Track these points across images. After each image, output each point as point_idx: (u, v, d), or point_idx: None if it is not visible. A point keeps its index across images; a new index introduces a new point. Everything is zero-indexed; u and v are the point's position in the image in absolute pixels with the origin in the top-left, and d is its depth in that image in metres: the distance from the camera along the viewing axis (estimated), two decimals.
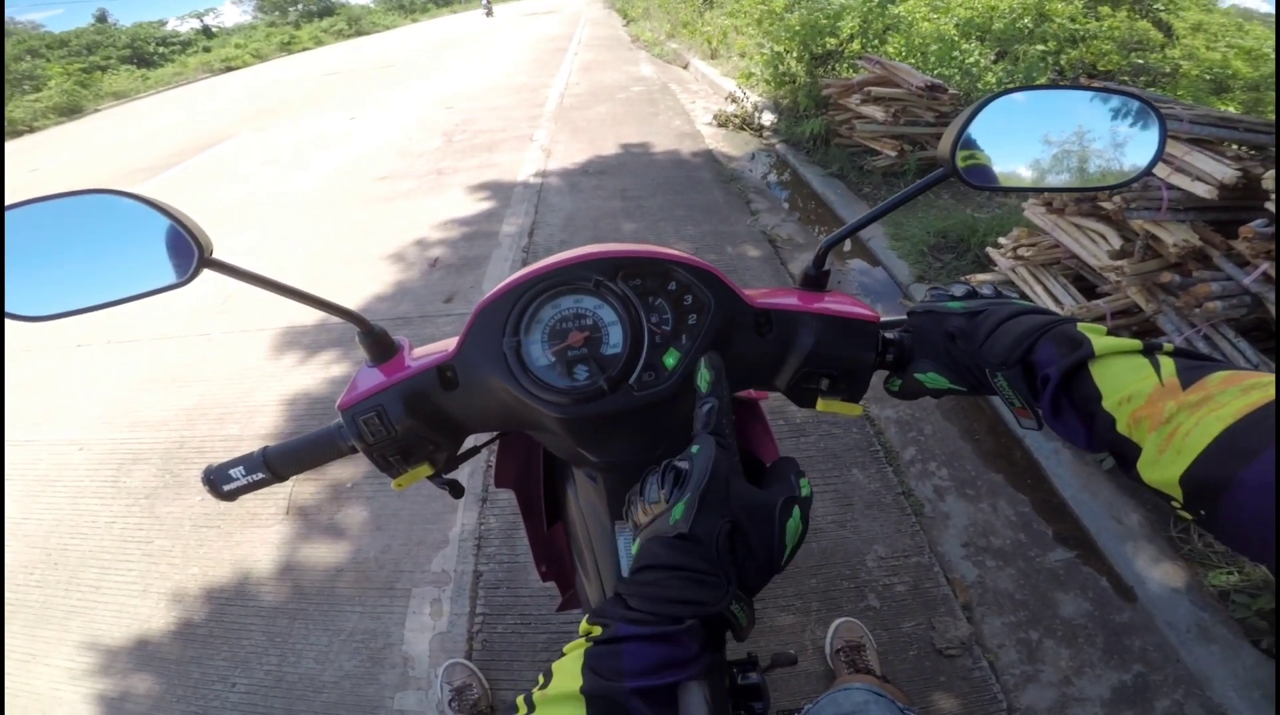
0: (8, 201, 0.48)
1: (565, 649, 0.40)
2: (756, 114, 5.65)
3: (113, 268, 0.53)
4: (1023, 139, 0.56)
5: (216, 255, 0.53)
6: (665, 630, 0.39)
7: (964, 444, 2.14)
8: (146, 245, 0.52)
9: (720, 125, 5.83)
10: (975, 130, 0.53)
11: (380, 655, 1.67)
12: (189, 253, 0.52)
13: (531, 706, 0.37)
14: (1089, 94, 0.56)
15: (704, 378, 0.51)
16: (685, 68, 8.87)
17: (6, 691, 1.70)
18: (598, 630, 0.40)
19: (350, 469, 2.21)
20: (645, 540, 0.45)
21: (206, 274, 0.52)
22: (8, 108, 12.63)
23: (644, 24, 13.00)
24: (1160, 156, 0.54)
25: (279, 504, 2.13)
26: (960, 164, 0.54)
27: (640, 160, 5.12)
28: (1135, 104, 0.55)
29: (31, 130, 12.13)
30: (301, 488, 2.18)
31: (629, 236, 3.79)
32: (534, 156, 5.47)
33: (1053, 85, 0.64)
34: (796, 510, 0.45)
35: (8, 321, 0.51)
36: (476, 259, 3.70)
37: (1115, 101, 0.55)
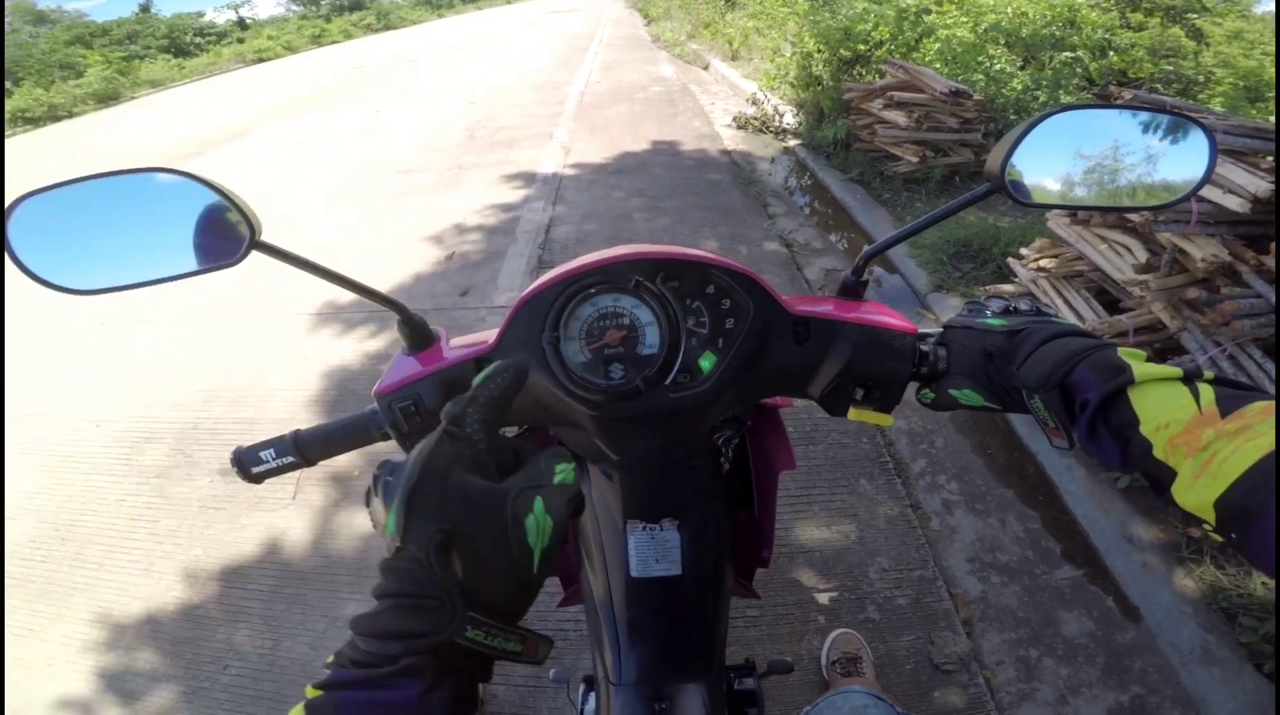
0: (68, 177, 0.49)
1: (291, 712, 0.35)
2: (777, 117, 5.61)
3: (161, 246, 0.53)
4: (1070, 156, 0.56)
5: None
6: (374, 674, 0.33)
7: (976, 458, 2.10)
8: (197, 225, 0.52)
9: (740, 127, 5.80)
10: (1024, 146, 0.53)
11: None
12: (240, 234, 0.52)
13: None
14: (1137, 113, 0.55)
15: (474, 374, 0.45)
16: (705, 69, 8.83)
17: None
18: (326, 675, 0.35)
19: (357, 458, 2.23)
20: (380, 565, 0.38)
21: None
22: (49, 94, 12.94)
23: (665, 24, 12.97)
24: (1209, 177, 0.54)
25: (287, 489, 2.15)
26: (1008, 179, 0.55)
27: (659, 160, 5.11)
28: (1183, 122, 0.54)
29: (70, 116, 12.45)
30: (308, 474, 2.20)
31: (645, 236, 3.78)
32: (553, 154, 5.48)
33: (1102, 104, 0.65)
34: (539, 502, 0.37)
35: (51, 293, 0.51)
36: (493, 254, 3.72)
37: (1163, 120, 0.55)
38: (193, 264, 0.53)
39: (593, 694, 0.81)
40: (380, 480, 0.41)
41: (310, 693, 0.35)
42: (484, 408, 0.40)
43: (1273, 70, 4.01)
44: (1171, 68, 4.54)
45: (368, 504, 0.42)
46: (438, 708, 0.34)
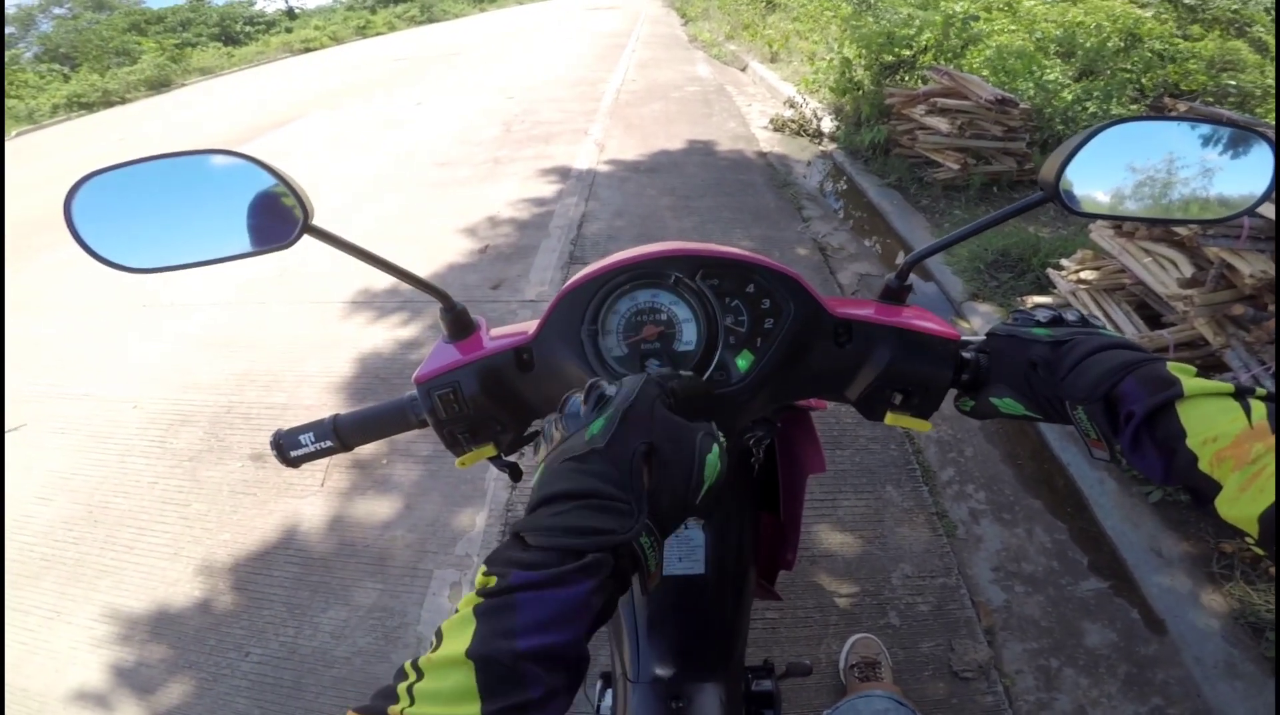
0: (125, 159, 0.51)
1: (460, 603, 0.36)
2: (815, 120, 5.56)
3: (216, 227, 0.54)
4: (1123, 167, 0.55)
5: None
6: (562, 572, 0.35)
7: (1005, 468, 2.07)
8: (250, 207, 0.53)
9: (776, 130, 5.76)
10: (1080, 156, 0.52)
11: (395, 634, 1.68)
12: (294, 217, 0.52)
13: (419, 674, 0.33)
14: (1196, 125, 0.54)
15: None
16: (743, 70, 8.78)
17: (24, 646, 1.73)
18: (492, 581, 0.35)
19: (383, 447, 2.27)
20: (551, 462, 0.41)
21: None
22: (103, 79, 13.39)
23: (702, 24, 12.88)
24: (1271, 192, 0.52)
25: (315, 476, 2.19)
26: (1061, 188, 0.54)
27: (692, 160, 5.11)
28: (1246, 136, 0.53)
29: (124, 102, 12.84)
30: (336, 461, 2.23)
31: (675, 235, 3.78)
32: (588, 150, 5.52)
33: (1161, 116, 0.63)
34: (716, 447, 0.44)
35: (93, 276, 0.53)
36: (525, 248, 3.76)
37: (1224, 133, 0.53)
38: (246, 246, 0.54)
39: (610, 691, 0.81)
40: (593, 394, 0.44)
41: (480, 583, 0.36)
42: (677, 380, 0.49)
43: None
44: (1234, 82, 4.37)
45: (558, 412, 0.46)
46: (596, 608, 0.36)
